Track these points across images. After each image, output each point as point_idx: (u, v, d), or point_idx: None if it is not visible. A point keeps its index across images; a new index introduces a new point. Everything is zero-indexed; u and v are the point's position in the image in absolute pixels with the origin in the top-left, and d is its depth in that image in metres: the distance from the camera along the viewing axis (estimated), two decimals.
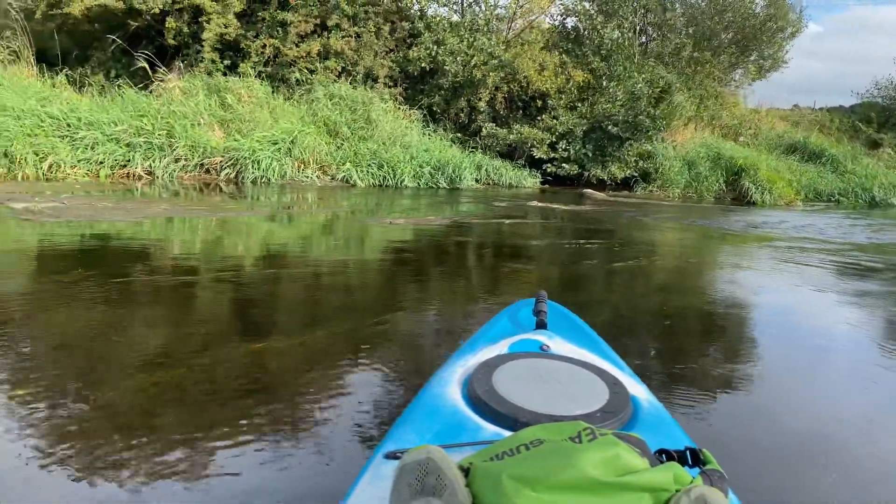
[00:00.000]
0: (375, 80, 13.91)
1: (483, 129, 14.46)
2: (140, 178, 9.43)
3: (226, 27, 12.92)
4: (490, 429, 1.32)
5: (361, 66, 13.74)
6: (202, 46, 12.83)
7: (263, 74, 13.33)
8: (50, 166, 8.69)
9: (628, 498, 0.92)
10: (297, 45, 13.38)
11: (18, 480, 1.78)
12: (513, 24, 16.03)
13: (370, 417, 2.26)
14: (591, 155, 14.72)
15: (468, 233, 6.94)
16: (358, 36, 13.94)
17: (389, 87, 14.07)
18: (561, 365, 1.59)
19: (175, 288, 3.87)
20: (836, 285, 5.14)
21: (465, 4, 15.34)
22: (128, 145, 9.53)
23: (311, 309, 3.71)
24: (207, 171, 10.13)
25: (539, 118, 14.79)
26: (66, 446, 1.94)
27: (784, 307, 4.48)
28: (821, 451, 2.24)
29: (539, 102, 15.21)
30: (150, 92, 11.03)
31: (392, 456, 1.20)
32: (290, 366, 2.71)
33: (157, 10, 12.70)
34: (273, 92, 12.51)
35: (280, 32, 13.39)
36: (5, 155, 8.28)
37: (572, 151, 14.61)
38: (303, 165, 10.96)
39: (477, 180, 13.04)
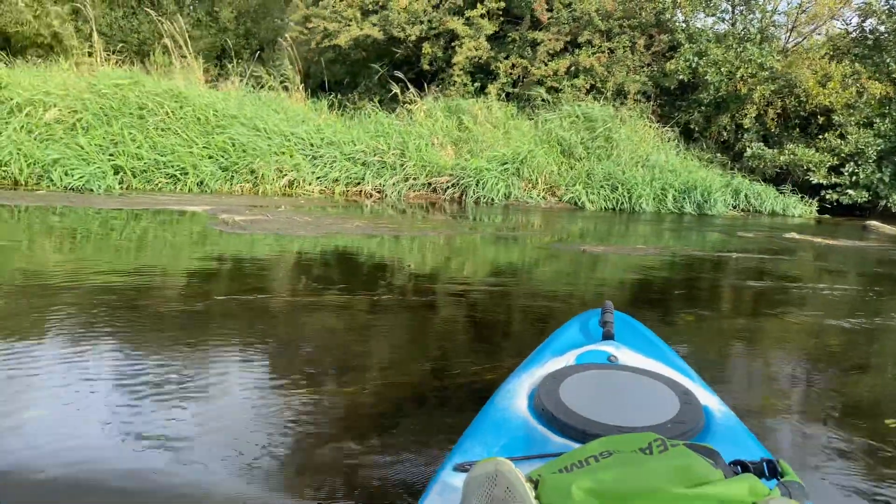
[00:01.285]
0: (626, 96, 13.12)
1: (748, 150, 12.86)
2: (370, 195, 9.86)
3: (476, 50, 13.14)
4: (558, 441, 1.31)
5: (611, 82, 13.05)
6: (453, 70, 13.20)
7: (511, 95, 13.33)
8: (291, 182, 9.45)
9: None
10: (545, 64, 13.14)
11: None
12: (793, 32, 14.08)
13: None
14: (887, 181, 12.32)
15: (672, 269, 6.01)
16: (611, 51, 13.29)
17: (640, 102, 13.17)
18: (629, 376, 1.57)
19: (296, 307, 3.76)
20: None
21: (735, 13, 13.84)
22: (363, 164, 10.03)
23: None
24: (434, 189, 10.28)
25: (821, 137, 12.76)
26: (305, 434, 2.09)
27: None
28: None
29: (821, 119, 13.13)
30: (396, 114, 11.54)
31: (461, 468, 1.20)
32: None
33: (414, 38, 13.33)
34: (518, 112, 12.43)
35: (530, 52, 13.27)
36: (252, 172, 9.16)
37: (862, 175, 12.36)
38: (530, 186, 10.63)
39: (733, 206, 11.59)
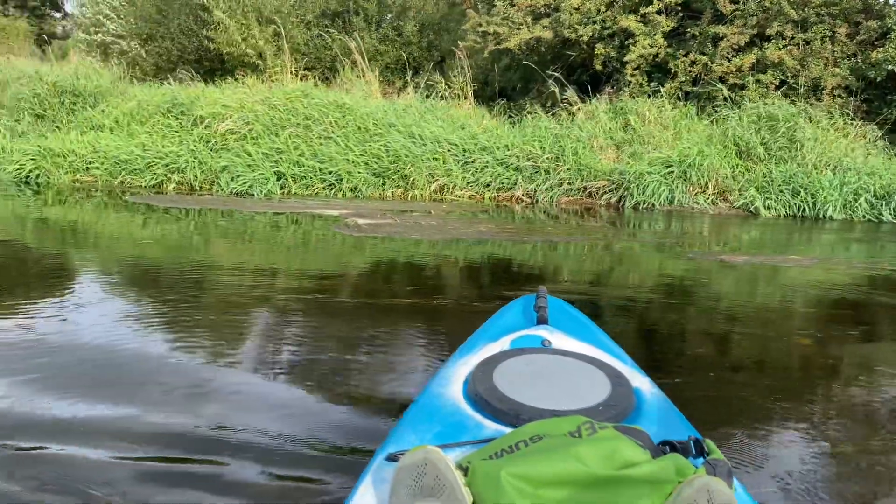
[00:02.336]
0: (821, 91, 11.72)
1: None
2: (521, 200, 9.70)
3: (651, 47, 12.46)
4: (491, 427, 1.31)
5: (804, 76, 11.73)
6: (625, 69, 12.63)
7: (689, 94, 12.48)
8: (441, 188, 9.57)
9: (629, 491, 0.90)
10: (728, 60, 12.12)
11: None
12: None
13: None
14: None
15: (824, 282, 5.24)
16: (806, 43, 11.95)
17: (839, 98, 11.70)
18: (562, 360, 1.57)
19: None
20: None
21: None
22: (516, 168, 9.90)
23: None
24: (590, 194, 9.88)
25: None
26: None
27: None
28: None
29: None
30: (555, 116, 11.28)
31: (392, 458, 1.18)
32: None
33: (586, 38, 12.95)
34: (698, 112, 11.60)
35: (710, 48, 12.33)
36: (404, 177, 9.41)
37: None
38: (698, 190, 9.84)
39: None
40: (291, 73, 13.31)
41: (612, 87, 13.34)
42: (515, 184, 9.82)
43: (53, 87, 10.25)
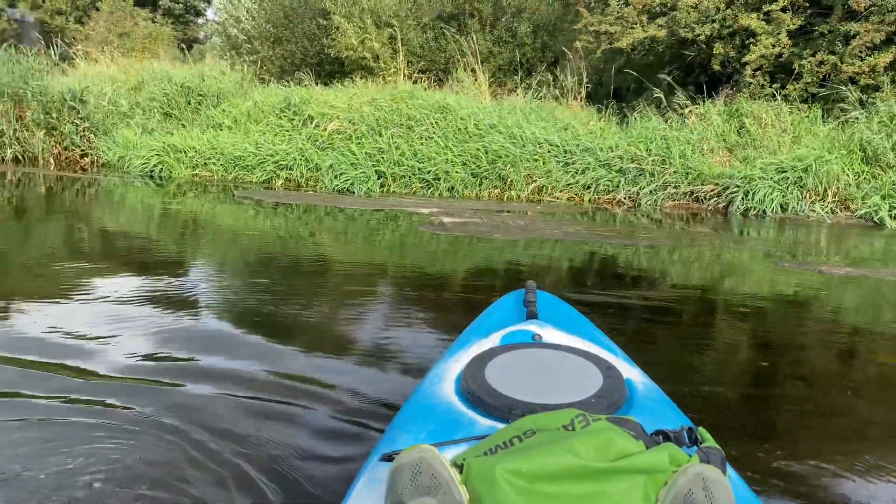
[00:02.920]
0: None
1: None
2: (622, 203, 9.48)
3: (773, 47, 11.80)
4: (485, 423, 1.32)
5: None
6: (745, 70, 12.03)
7: (816, 96, 11.72)
8: (540, 189, 9.51)
9: (623, 482, 0.91)
10: (860, 59, 11.29)
11: None
12: None
13: None
14: None
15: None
16: None
17: None
18: (553, 353, 1.57)
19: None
20: None
21: None
22: (618, 171, 9.68)
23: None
24: (696, 199, 9.50)
25: None
26: None
27: None
28: None
29: None
30: (666, 118, 10.92)
31: (387, 458, 1.19)
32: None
33: (703, 38, 12.45)
34: (824, 115, 10.90)
35: (840, 47, 11.52)
36: (501, 178, 9.43)
37: None
38: (815, 198, 9.24)
39: None
40: (405, 75, 13.63)
41: (732, 89, 12.75)
42: (617, 186, 9.61)
43: (181, 87, 11.04)
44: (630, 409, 1.38)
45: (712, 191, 9.39)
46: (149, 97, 10.96)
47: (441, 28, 16.52)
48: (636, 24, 12.92)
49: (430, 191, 9.23)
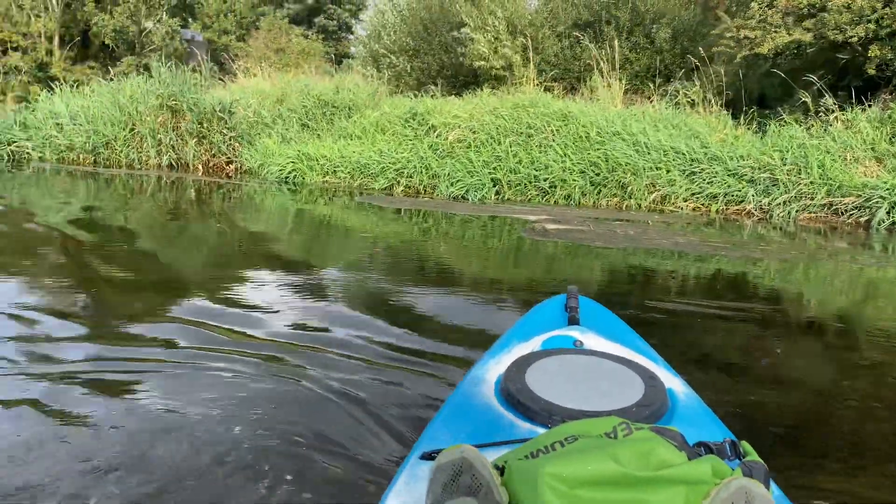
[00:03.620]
0: None
1: None
2: (752, 215, 8.98)
3: None
4: (524, 427, 1.33)
5: None
6: None
7: None
8: (663, 198, 9.21)
9: (665, 492, 0.90)
10: None
11: None
12: None
13: None
14: None
15: None
16: None
17: None
18: (595, 360, 1.56)
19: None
20: None
21: None
22: (749, 181, 9.19)
23: None
24: (836, 212, 8.81)
25: None
26: None
27: None
28: None
29: None
30: (807, 127, 10.22)
31: (427, 457, 1.21)
32: None
33: (856, 39, 11.54)
34: None
35: None
36: (622, 186, 9.22)
37: None
38: None
39: None
40: (536, 83, 13.67)
41: (891, 94, 11.71)
42: (746, 197, 9.12)
43: (318, 100, 11.70)
44: (672, 419, 1.37)
45: (853, 203, 8.68)
46: (289, 109, 11.71)
47: (576, 36, 16.40)
48: (780, 27, 12.21)
49: (545, 198, 9.20)
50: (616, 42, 15.54)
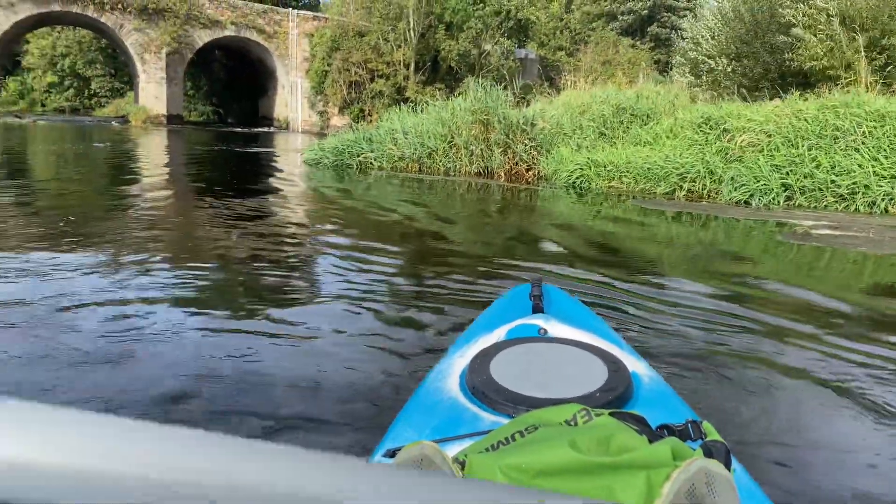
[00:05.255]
0: None
1: None
2: None
3: None
4: (489, 418, 1.31)
5: None
6: None
7: None
8: None
9: (625, 477, 0.87)
10: None
11: None
12: None
13: None
14: None
15: None
16: None
17: None
18: (559, 348, 1.56)
19: None
20: None
21: None
22: None
23: None
24: None
25: None
26: None
27: None
28: None
29: None
30: None
31: (391, 454, 1.16)
32: None
33: None
34: None
35: None
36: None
37: None
38: None
39: None
40: (870, 81, 12.34)
41: None
42: None
43: (616, 108, 12.02)
44: (635, 403, 1.35)
45: None
46: (590, 119, 12.21)
47: None
48: None
49: (844, 206, 8.40)
50: None
